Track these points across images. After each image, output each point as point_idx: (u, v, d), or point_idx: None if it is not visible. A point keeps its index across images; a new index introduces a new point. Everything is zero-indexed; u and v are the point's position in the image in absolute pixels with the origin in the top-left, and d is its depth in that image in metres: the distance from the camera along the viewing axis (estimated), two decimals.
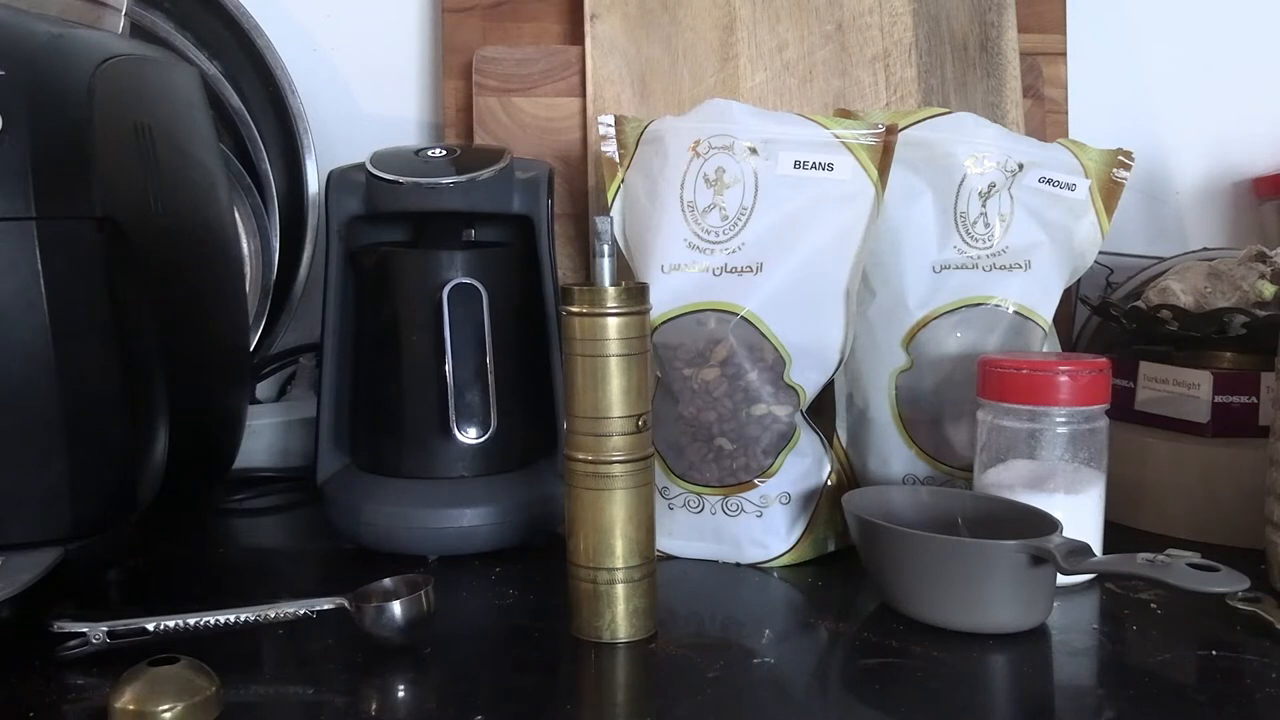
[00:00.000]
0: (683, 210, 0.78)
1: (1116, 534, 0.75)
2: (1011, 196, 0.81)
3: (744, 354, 0.76)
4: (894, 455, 0.83)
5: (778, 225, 0.77)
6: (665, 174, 0.79)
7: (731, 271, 0.77)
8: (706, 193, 0.78)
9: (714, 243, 0.77)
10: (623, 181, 0.82)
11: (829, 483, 0.79)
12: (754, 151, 0.77)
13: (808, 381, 0.77)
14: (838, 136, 0.78)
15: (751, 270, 0.76)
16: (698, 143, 0.78)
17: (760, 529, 0.77)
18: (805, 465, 0.78)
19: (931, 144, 0.82)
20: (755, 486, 0.77)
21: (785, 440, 0.77)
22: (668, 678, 0.61)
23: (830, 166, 0.77)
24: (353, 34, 1.08)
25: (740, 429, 0.76)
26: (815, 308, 0.77)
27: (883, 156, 0.77)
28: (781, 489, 0.77)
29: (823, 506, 0.78)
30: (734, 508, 0.77)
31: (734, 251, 0.77)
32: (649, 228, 0.79)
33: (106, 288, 0.65)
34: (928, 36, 1.01)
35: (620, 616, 0.64)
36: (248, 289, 0.96)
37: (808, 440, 0.78)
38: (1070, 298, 1.01)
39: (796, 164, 0.77)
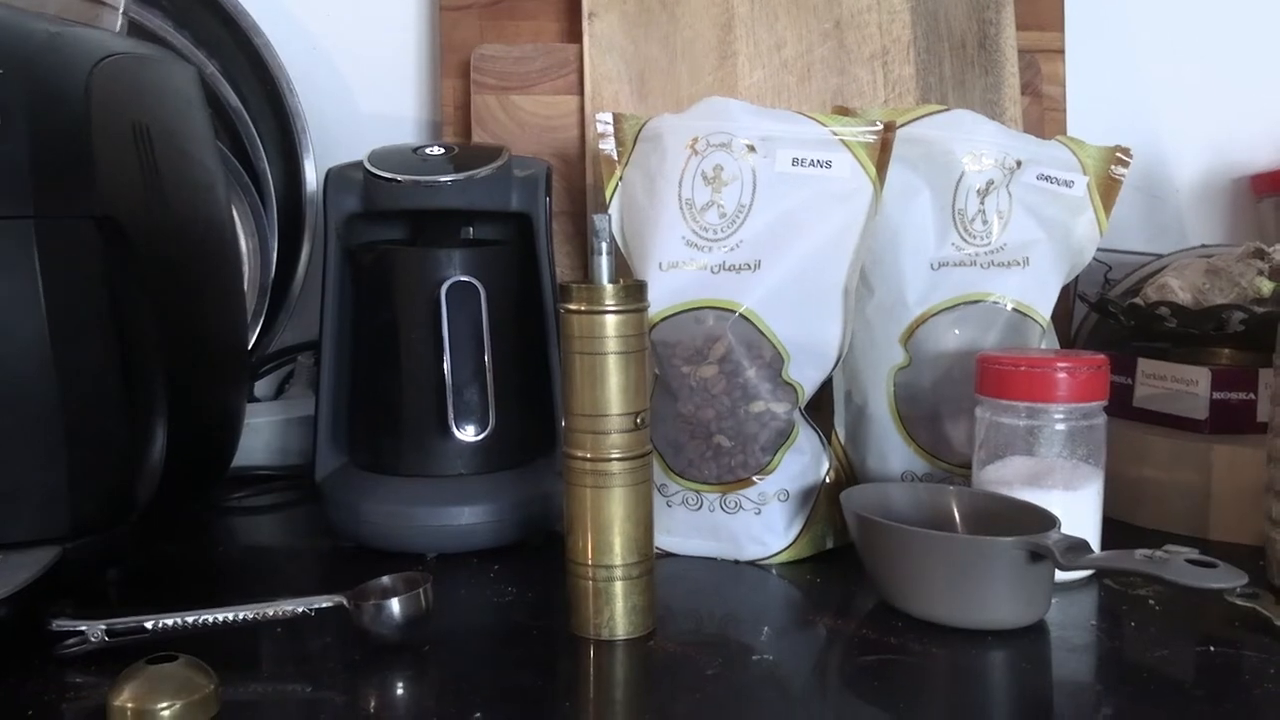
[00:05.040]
0: (681, 208, 0.78)
1: (1115, 530, 0.75)
2: (1009, 193, 0.81)
3: (742, 351, 0.76)
4: (892, 452, 0.83)
5: (776, 223, 0.77)
6: (663, 172, 0.79)
7: (730, 269, 0.77)
8: (705, 190, 0.78)
9: (712, 240, 0.77)
10: (621, 179, 0.82)
11: (827, 480, 0.79)
12: (752, 149, 0.77)
13: (806, 379, 0.77)
14: (836, 134, 0.78)
15: (750, 268, 0.76)
16: (696, 140, 0.78)
17: (759, 526, 0.77)
18: (803, 462, 0.78)
19: (930, 141, 0.82)
20: (753, 484, 0.77)
21: (783, 437, 0.77)
22: (666, 675, 0.61)
23: (828, 164, 0.77)
24: (351, 33, 1.08)
25: (738, 426, 0.76)
26: (813, 305, 0.77)
27: (881, 154, 0.77)
28: (780, 486, 0.77)
29: (821, 503, 0.78)
30: (732, 505, 0.77)
31: (732, 249, 0.77)
32: (647, 225, 0.79)
33: (105, 287, 0.65)
34: (926, 34, 1.01)
35: (619, 614, 0.64)
36: (246, 287, 0.96)
37: (806, 437, 0.78)
38: (1068, 294, 1.01)
39: (795, 161, 0.77)
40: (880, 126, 0.77)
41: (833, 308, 0.77)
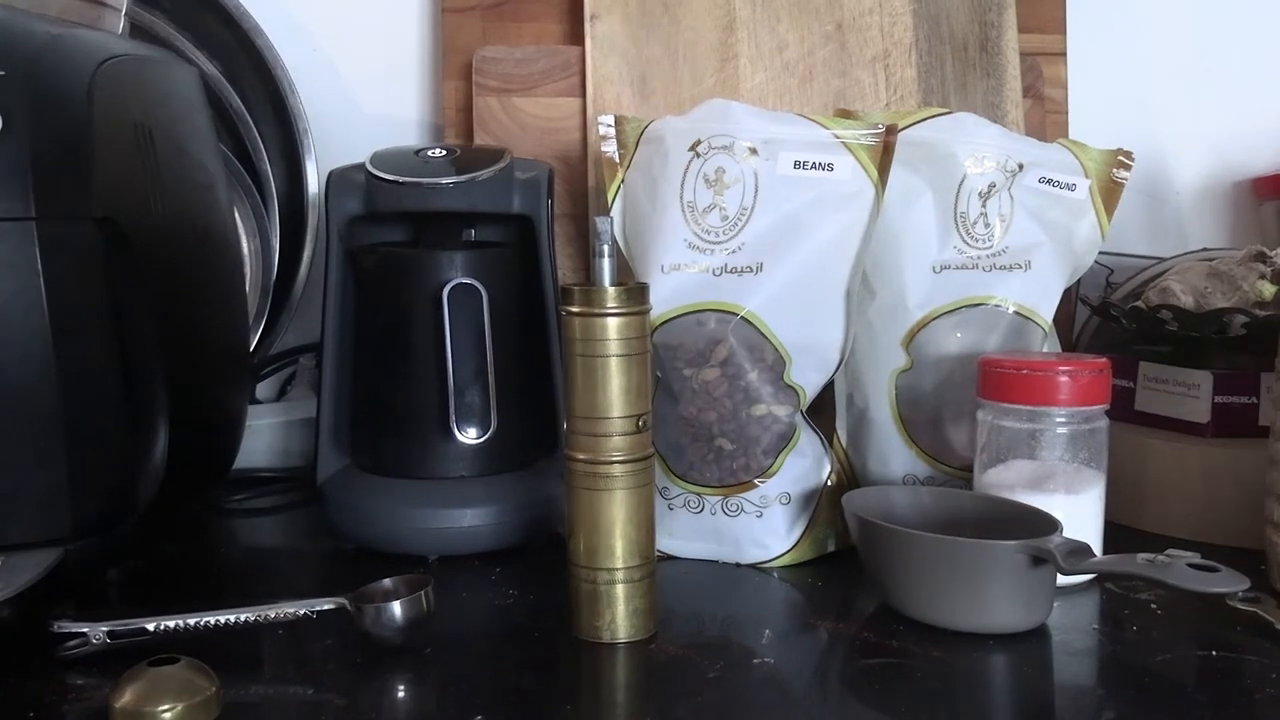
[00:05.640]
0: (683, 210, 0.78)
1: (1117, 534, 0.75)
2: (1011, 197, 0.81)
3: (744, 354, 0.76)
4: (894, 455, 0.83)
5: (778, 225, 0.77)
6: (665, 174, 0.79)
7: (731, 272, 0.77)
8: (706, 193, 0.78)
9: (714, 243, 0.77)
10: (623, 181, 0.82)
11: (829, 483, 0.79)
12: (754, 152, 0.77)
13: (807, 382, 0.77)
14: (838, 137, 0.78)
15: (751, 270, 0.76)
16: (698, 143, 0.78)
17: (760, 529, 0.77)
18: (805, 465, 0.78)
19: (931, 144, 0.82)
20: (755, 487, 0.77)
21: (785, 440, 0.77)
22: (667, 678, 0.61)
23: (830, 167, 0.77)
24: (353, 34, 1.08)
25: (740, 429, 0.76)
26: (815, 308, 0.77)
27: (883, 157, 0.77)
28: (781, 489, 0.77)
29: (823, 507, 0.78)
30: (734, 508, 0.77)
31: (734, 252, 0.77)
32: (649, 228, 0.79)
33: (106, 288, 0.65)
34: (928, 37, 1.01)
35: (620, 617, 0.64)
36: (248, 289, 0.96)
37: (808, 440, 0.78)
38: (1070, 298, 1.01)
39: (796, 164, 0.77)
40: (882, 129, 0.77)
41: (835, 310, 0.77)
